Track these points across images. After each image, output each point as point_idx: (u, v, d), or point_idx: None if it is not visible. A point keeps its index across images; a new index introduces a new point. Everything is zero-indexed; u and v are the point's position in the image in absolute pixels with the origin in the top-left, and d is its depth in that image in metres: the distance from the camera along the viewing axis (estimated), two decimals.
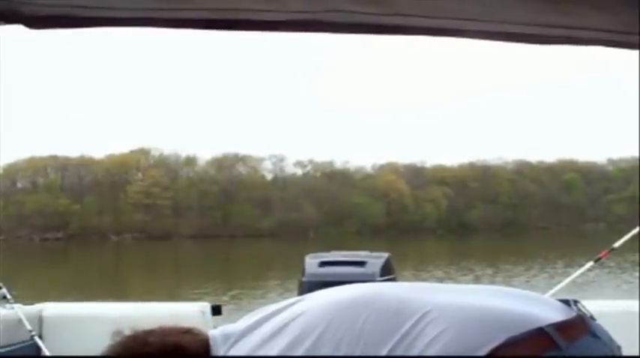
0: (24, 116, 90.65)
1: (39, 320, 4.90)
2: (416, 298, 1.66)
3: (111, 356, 1.69)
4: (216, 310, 4.90)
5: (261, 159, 78.75)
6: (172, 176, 76.03)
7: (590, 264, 5.31)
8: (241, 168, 78.76)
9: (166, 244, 60.00)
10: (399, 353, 1.55)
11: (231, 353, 1.68)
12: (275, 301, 1.89)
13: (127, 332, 1.72)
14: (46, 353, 4.66)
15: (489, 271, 25.83)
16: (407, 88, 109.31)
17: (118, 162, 73.79)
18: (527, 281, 20.94)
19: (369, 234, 63.30)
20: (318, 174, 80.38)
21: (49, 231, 68.01)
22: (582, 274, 5.40)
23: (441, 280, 21.40)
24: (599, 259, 5.30)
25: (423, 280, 19.21)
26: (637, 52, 2.03)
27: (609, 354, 1.63)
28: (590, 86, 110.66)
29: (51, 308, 5.05)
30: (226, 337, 1.71)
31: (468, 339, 1.54)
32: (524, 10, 1.76)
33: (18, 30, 1.93)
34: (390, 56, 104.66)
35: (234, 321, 1.80)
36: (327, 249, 6.58)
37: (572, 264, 22.09)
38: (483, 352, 1.51)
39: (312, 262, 6.14)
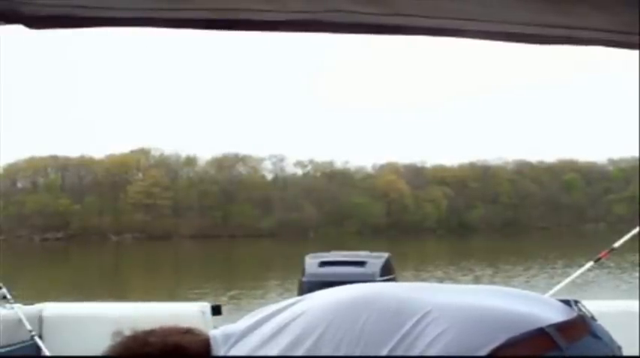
0: (24, 116, 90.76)
1: (39, 320, 4.90)
2: (416, 298, 1.66)
3: (111, 356, 1.69)
4: (216, 310, 4.90)
5: (262, 159, 78.89)
6: (172, 176, 76.06)
7: (590, 264, 5.32)
8: (241, 168, 78.81)
9: (166, 244, 60.01)
10: (399, 353, 1.55)
11: (232, 353, 1.67)
12: (275, 301, 1.88)
13: (128, 332, 1.72)
14: (46, 353, 4.66)
15: (489, 271, 25.83)
16: (407, 88, 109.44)
17: (118, 162, 73.80)
18: (527, 282, 20.94)
19: (369, 234, 63.29)
20: (319, 174, 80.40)
21: (49, 231, 68.02)
22: (582, 274, 5.39)
23: (441, 280, 21.40)
24: (599, 259, 5.30)
25: (423, 280, 19.21)
26: (637, 52, 2.03)
27: (610, 354, 1.63)
28: (590, 86, 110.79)
29: (51, 308, 5.05)
30: (227, 337, 1.71)
31: (468, 339, 1.54)
32: (524, 10, 1.76)
33: (18, 30, 1.93)
34: (390, 56, 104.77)
35: (233, 321, 1.80)
36: (327, 249, 6.58)
37: (572, 264, 22.08)
38: (484, 352, 1.51)
39: (312, 262, 6.14)
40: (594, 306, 1.76)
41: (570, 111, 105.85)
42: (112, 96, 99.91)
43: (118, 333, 1.71)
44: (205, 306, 4.86)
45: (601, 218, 73.13)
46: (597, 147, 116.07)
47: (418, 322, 1.58)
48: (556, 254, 32.11)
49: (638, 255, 17.14)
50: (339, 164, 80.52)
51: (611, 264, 21.14)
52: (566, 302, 1.71)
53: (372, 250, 6.60)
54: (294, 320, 1.66)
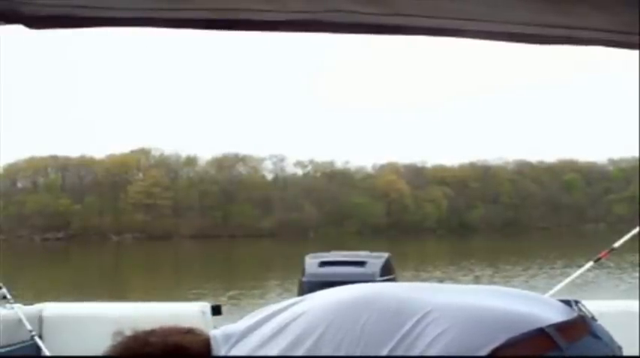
0: (24, 116, 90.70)
1: (39, 320, 4.90)
2: (416, 298, 1.66)
3: (112, 356, 1.69)
4: (216, 310, 4.90)
5: (262, 159, 78.89)
6: (173, 176, 76.08)
7: (590, 264, 5.31)
8: (241, 168, 78.81)
9: (167, 244, 60.02)
10: (399, 353, 1.55)
11: (233, 353, 1.67)
12: (274, 301, 1.89)
13: (128, 332, 1.72)
14: (46, 353, 4.66)
15: (489, 271, 25.83)
16: (407, 88, 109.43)
17: (118, 162, 73.81)
18: (526, 282, 20.94)
19: (369, 234, 63.28)
20: (319, 174, 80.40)
21: (50, 230, 68.02)
22: (582, 274, 5.39)
23: (441, 280, 21.40)
24: (599, 259, 5.30)
25: (423, 280, 19.21)
26: (637, 52, 2.02)
27: (610, 354, 1.63)
28: (590, 86, 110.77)
29: (51, 308, 5.05)
30: (227, 337, 1.71)
31: (468, 339, 1.54)
32: (524, 10, 1.76)
33: (18, 30, 1.93)
34: (390, 56, 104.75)
35: (233, 322, 1.80)
36: (328, 249, 6.59)
37: (572, 264, 22.08)
38: (484, 352, 1.51)
39: (312, 262, 6.14)
40: (594, 306, 1.76)
41: (570, 111, 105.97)
42: (112, 96, 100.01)
43: (118, 333, 1.71)
44: (205, 306, 4.86)
45: (601, 218, 73.12)
46: (597, 147, 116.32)
47: (418, 322, 1.58)
48: (556, 254, 32.11)
49: (637, 255, 17.14)
50: (339, 164, 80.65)
51: (611, 264, 21.14)
52: (567, 303, 1.71)
53: (372, 250, 6.60)
54: (294, 320, 1.66)
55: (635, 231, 5.10)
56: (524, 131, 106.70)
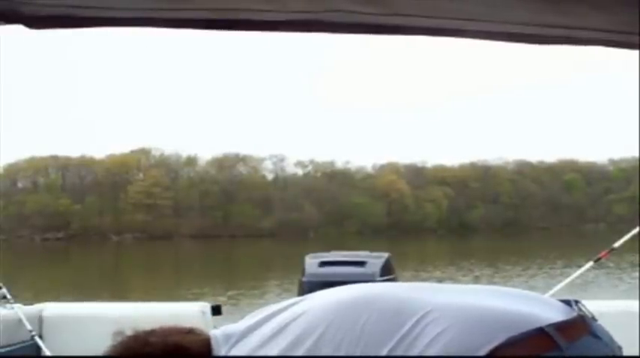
0: (24, 116, 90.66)
1: (39, 320, 4.90)
2: (416, 298, 1.66)
3: (112, 356, 1.69)
4: (216, 310, 4.90)
5: (262, 159, 78.88)
6: (173, 176, 76.09)
7: (590, 264, 5.31)
8: (242, 168, 78.80)
9: (167, 244, 60.01)
10: (399, 353, 1.55)
11: (233, 353, 1.68)
12: (274, 301, 1.89)
13: (129, 332, 1.72)
14: (46, 353, 4.66)
15: (489, 271, 25.83)
16: (407, 88, 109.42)
17: (118, 162, 73.80)
18: (526, 282, 20.93)
19: (369, 234, 63.26)
20: (319, 174, 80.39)
21: (50, 230, 68.03)
22: (581, 274, 5.39)
23: (441, 280, 21.40)
24: (599, 259, 5.29)
25: (423, 280, 19.21)
26: (637, 52, 2.02)
27: (610, 354, 1.63)
28: (590, 86, 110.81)
29: (51, 308, 5.05)
30: (228, 337, 1.71)
31: (468, 339, 1.54)
32: (524, 10, 1.76)
33: (18, 30, 1.93)
34: (390, 56, 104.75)
35: (232, 322, 1.80)
36: (328, 249, 6.59)
37: (571, 264, 22.08)
38: (483, 352, 1.51)
39: (312, 262, 6.14)
40: (594, 306, 1.76)
41: (570, 111, 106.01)
42: (113, 96, 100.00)
43: (118, 333, 1.71)
44: (205, 306, 4.86)
45: (601, 218, 73.10)
46: (597, 147, 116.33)
47: (418, 322, 1.58)
48: (556, 254, 32.10)
49: (637, 255, 17.13)
50: (339, 164, 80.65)
51: (611, 265, 21.12)
52: (567, 302, 1.71)
53: (372, 250, 6.60)
54: (294, 320, 1.66)
55: (635, 231, 5.10)
56: (524, 131, 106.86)
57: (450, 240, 60.43)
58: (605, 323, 1.68)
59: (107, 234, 68.58)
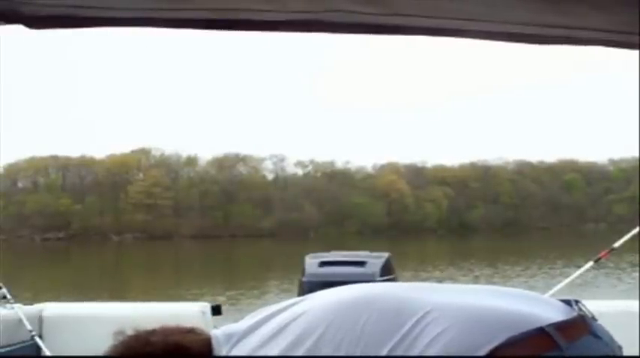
0: (25, 116, 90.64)
1: (39, 320, 4.90)
2: (416, 298, 1.66)
3: (113, 355, 1.69)
4: (216, 310, 4.90)
5: (262, 159, 78.90)
6: (173, 176, 76.09)
7: (590, 264, 5.31)
8: (242, 168, 78.82)
9: (167, 244, 60.01)
10: (399, 353, 1.55)
11: (234, 352, 1.68)
12: (274, 302, 1.89)
13: (129, 331, 1.72)
14: (46, 353, 4.66)
15: (489, 271, 25.82)
16: (407, 88, 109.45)
17: (118, 162, 73.81)
18: (526, 282, 20.92)
19: (369, 234, 63.26)
20: (319, 174, 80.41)
21: (50, 230, 68.03)
22: (580, 274, 5.38)
23: (441, 280, 21.39)
24: (599, 259, 5.29)
25: (423, 280, 19.21)
26: (637, 52, 2.02)
27: (610, 354, 1.63)
28: (590, 86, 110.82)
29: (51, 308, 5.05)
30: (228, 337, 1.71)
31: (468, 339, 1.54)
32: (524, 10, 1.76)
33: (18, 30, 1.93)
34: (390, 56, 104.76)
35: (232, 322, 1.80)
36: (328, 249, 6.58)
37: (571, 264, 22.07)
38: (483, 352, 1.51)
39: (312, 262, 6.14)
40: (594, 306, 1.76)
41: (570, 111, 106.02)
42: (113, 96, 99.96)
43: (119, 333, 1.71)
44: (205, 306, 4.86)
45: (601, 218, 73.10)
46: (598, 147, 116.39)
47: (418, 322, 1.58)
48: (556, 254, 32.10)
49: (637, 255, 17.12)
50: (339, 164, 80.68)
51: (610, 265, 21.11)
52: (567, 302, 1.71)
53: (372, 250, 6.60)
54: (294, 320, 1.66)
55: (635, 231, 5.10)
56: (524, 131, 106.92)
57: (450, 240, 60.42)
58: (605, 323, 1.68)
59: (107, 234, 68.59)
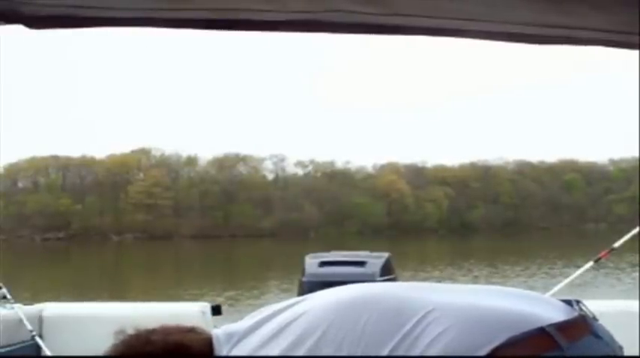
0: (25, 116, 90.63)
1: (39, 320, 4.89)
2: (417, 298, 1.66)
3: (113, 355, 1.69)
4: (216, 310, 4.90)
5: (262, 159, 78.88)
6: (173, 176, 76.09)
7: (590, 264, 5.30)
8: (242, 168, 78.81)
9: (167, 244, 60.01)
10: (400, 353, 1.55)
11: (234, 352, 1.67)
12: (274, 302, 1.88)
13: (130, 331, 1.72)
14: (47, 353, 4.65)
15: (489, 271, 25.82)
16: (407, 88, 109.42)
17: (119, 162, 73.81)
18: (525, 282, 20.91)
19: (369, 234, 63.25)
20: (319, 174, 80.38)
21: (51, 230, 68.02)
22: (580, 275, 5.38)
23: (440, 280, 21.39)
24: (599, 259, 5.28)
25: (423, 280, 19.19)
26: (637, 52, 2.02)
27: (611, 354, 1.63)
28: (590, 86, 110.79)
29: (51, 308, 5.04)
30: (229, 336, 1.71)
31: (469, 339, 1.54)
32: (524, 10, 1.76)
33: (18, 30, 1.93)
34: (390, 56, 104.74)
35: (232, 322, 1.80)
36: (328, 249, 6.59)
37: (571, 264, 22.06)
38: (484, 352, 1.51)
39: (312, 262, 6.14)
40: (594, 306, 1.76)
41: (571, 111, 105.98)
42: (113, 96, 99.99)
43: (120, 332, 1.71)
44: (205, 306, 4.85)
45: (601, 218, 73.08)
46: (598, 147, 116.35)
47: (419, 322, 1.58)
48: (556, 254, 32.09)
49: (637, 255, 17.11)
50: (339, 164, 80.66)
51: (610, 265, 21.10)
52: (568, 302, 1.71)
53: (372, 250, 6.60)
54: (295, 320, 1.66)
55: (635, 231, 5.09)
56: (525, 131, 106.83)
57: (451, 240, 60.41)
58: (605, 323, 1.68)
59: (107, 234, 68.60)
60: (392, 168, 79.91)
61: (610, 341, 1.65)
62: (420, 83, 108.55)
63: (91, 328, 4.56)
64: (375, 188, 76.17)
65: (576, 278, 5.29)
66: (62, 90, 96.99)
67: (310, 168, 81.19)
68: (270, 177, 79.48)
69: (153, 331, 1.72)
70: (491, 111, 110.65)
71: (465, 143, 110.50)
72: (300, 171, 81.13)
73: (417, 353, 1.54)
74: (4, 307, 4.78)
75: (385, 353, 1.55)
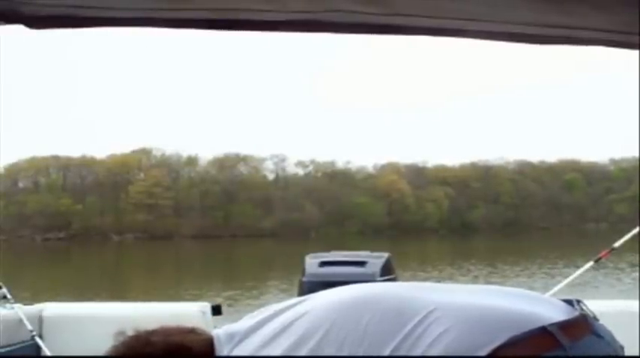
0: (25, 116, 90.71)
1: (39, 320, 4.89)
2: (419, 298, 1.66)
3: (114, 356, 1.69)
4: (216, 310, 4.90)
5: (263, 159, 78.87)
6: (174, 176, 76.09)
7: (590, 263, 5.30)
8: (243, 168, 78.81)
9: (168, 244, 60.02)
10: (402, 353, 1.55)
11: (235, 352, 1.67)
12: (274, 302, 1.88)
13: (130, 332, 1.72)
14: (47, 353, 4.65)
15: (489, 271, 25.82)
16: (407, 88, 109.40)
17: (119, 162, 73.82)
18: (525, 282, 20.90)
19: (370, 234, 63.26)
20: (320, 174, 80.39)
21: (51, 230, 68.03)
22: (580, 275, 5.37)
23: (441, 280, 21.38)
24: (600, 259, 5.28)
25: (424, 280, 19.19)
26: (637, 52, 2.02)
27: (612, 354, 1.63)
28: (591, 86, 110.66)
29: (51, 308, 5.04)
30: (230, 336, 1.71)
31: (470, 339, 1.54)
32: (525, 10, 1.76)
33: (18, 30, 1.93)
34: (391, 56, 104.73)
35: (232, 322, 1.79)
36: (328, 249, 6.58)
37: (571, 264, 22.05)
38: (486, 351, 1.51)
39: (312, 262, 6.13)
40: (594, 306, 1.76)
41: (571, 111, 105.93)
42: (113, 96, 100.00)
43: (120, 333, 1.71)
44: (206, 306, 4.85)
45: (602, 218, 73.04)
46: (598, 147, 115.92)
47: (420, 322, 1.58)
48: (556, 254, 32.08)
49: (637, 255, 17.09)
50: (340, 164, 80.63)
51: (610, 265, 21.08)
52: (569, 302, 1.71)
53: (372, 250, 6.59)
54: (297, 320, 1.66)
55: (635, 230, 5.08)
56: (525, 131, 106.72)
57: (451, 239, 60.40)
58: (606, 323, 1.69)
59: (108, 234, 68.61)
60: (392, 168, 79.90)
61: (611, 341, 1.65)
62: (421, 83, 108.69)
63: (91, 328, 4.56)
64: (375, 188, 76.17)
65: (576, 278, 5.28)
66: (62, 90, 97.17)
67: (311, 168, 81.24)
68: (271, 177, 79.51)
69: (153, 332, 1.72)
70: (492, 111, 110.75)
71: (465, 143, 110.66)
72: (300, 171, 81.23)
73: (418, 353, 1.54)
74: (4, 307, 4.77)
75: (387, 353, 1.56)
